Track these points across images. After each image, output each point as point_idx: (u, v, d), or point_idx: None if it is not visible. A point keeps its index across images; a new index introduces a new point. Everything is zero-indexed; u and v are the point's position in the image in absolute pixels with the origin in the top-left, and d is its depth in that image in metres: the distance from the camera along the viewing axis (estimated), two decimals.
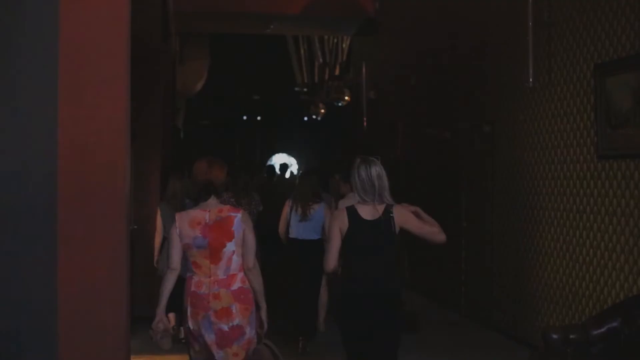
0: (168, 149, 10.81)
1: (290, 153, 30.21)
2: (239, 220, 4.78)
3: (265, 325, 4.91)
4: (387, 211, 4.69)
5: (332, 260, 4.75)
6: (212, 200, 4.86)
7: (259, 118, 31.71)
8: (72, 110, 4.58)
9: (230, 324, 4.73)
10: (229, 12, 13.72)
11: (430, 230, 4.75)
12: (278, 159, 28.73)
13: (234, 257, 4.77)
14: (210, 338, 4.73)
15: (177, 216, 4.91)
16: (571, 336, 5.45)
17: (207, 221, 4.77)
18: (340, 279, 4.82)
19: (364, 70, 14.58)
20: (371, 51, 15.04)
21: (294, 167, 26.85)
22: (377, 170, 4.72)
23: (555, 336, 5.47)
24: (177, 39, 14.99)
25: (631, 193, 6.13)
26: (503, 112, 8.38)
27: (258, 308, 4.89)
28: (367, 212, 4.71)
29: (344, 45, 18.80)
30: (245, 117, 32.16)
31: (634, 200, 6.10)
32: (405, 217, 4.72)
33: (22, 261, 4.43)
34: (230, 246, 4.74)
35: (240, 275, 4.80)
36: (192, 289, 4.78)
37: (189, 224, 4.78)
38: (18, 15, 4.47)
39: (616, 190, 6.34)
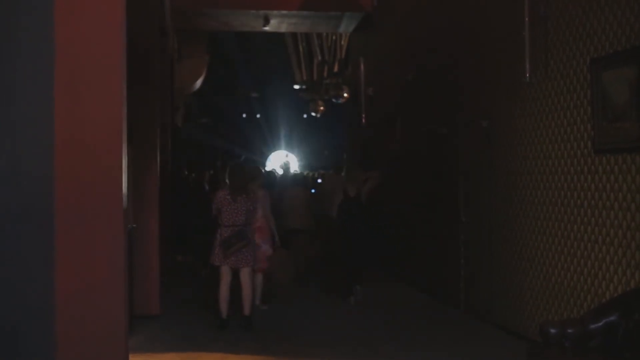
0: (166, 147, 10.81)
1: (289, 150, 30.21)
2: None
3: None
4: (358, 190, 10.45)
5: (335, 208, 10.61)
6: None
7: (258, 116, 31.69)
8: (69, 110, 4.59)
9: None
10: (226, 9, 13.73)
11: (373, 183, 10.73)
12: (277, 157, 28.75)
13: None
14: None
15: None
16: (569, 330, 5.45)
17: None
18: (339, 213, 10.49)
19: (362, 66, 14.56)
20: (369, 46, 15.03)
21: (281, 165, 26.93)
22: (355, 172, 10.71)
23: (553, 330, 5.46)
24: (175, 37, 14.98)
25: (628, 187, 6.14)
26: (500, 106, 8.39)
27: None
28: (351, 191, 10.43)
29: (342, 43, 18.80)
30: (244, 115, 32.15)
31: (630, 194, 6.11)
32: (364, 189, 10.50)
33: (20, 260, 4.43)
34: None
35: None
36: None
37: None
38: (14, 14, 4.47)
39: (613, 184, 6.35)
